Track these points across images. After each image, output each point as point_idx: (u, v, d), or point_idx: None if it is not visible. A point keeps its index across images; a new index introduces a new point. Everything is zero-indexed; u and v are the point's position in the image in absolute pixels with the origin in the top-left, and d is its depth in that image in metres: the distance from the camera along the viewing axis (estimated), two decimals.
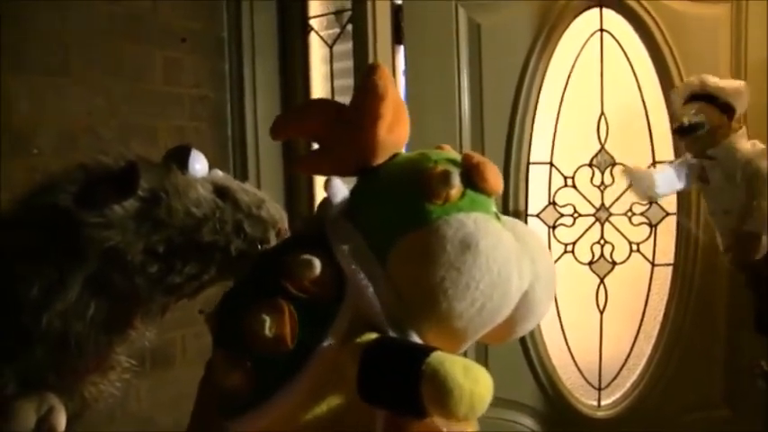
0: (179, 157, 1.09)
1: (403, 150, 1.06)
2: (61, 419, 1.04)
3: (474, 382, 0.82)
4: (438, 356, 0.84)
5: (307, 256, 0.93)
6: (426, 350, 0.86)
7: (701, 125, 2.07)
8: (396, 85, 1.00)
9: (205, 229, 1.05)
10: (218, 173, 1.15)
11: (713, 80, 2.12)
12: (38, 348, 1.01)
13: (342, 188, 1.03)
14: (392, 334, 0.92)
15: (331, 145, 1.02)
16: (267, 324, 0.91)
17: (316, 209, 1.06)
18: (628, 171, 2.31)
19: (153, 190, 1.03)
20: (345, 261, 0.94)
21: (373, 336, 0.91)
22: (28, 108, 2.09)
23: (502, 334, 1.02)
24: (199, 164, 1.10)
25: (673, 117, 2.19)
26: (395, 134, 1.00)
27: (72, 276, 0.99)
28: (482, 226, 0.93)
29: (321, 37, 2.82)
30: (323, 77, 2.84)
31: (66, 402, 1.05)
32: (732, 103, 2.09)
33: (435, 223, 0.93)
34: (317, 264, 0.92)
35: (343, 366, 0.90)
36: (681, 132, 2.13)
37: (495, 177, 0.99)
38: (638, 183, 2.26)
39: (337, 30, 2.79)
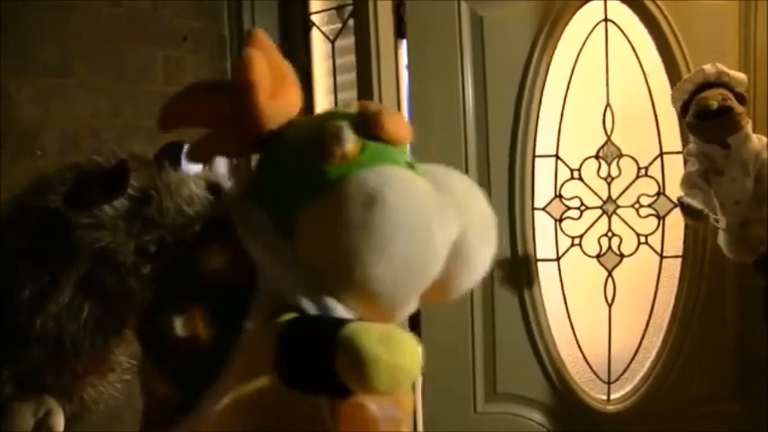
0: (171, 154, 1.07)
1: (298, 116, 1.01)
2: (59, 422, 1.03)
3: (392, 352, 0.75)
4: (351, 327, 0.78)
5: (209, 246, 0.90)
6: (341, 323, 0.80)
7: (727, 109, 2.02)
8: (275, 51, 0.95)
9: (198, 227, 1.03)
10: (220, 165, 1.13)
11: (729, 70, 2.09)
12: (33, 350, 1.00)
13: (222, 161, 1.01)
14: (313, 311, 0.86)
15: (218, 124, 0.97)
16: (178, 324, 0.88)
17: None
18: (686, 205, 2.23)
19: (143, 189, 1.01)
20: (249, 242, 0.89)
21: (291, 316, 0.85)
22: (31, 110, 2.09)
23: (441, 292, 0.95)
24: None
25: (685, 105, 2.12)
26: (279, 98, 0.94)
27: (64, 278, 0.98)
28: (388, 178, 0.86)
29: (323, 32, 2.80)
30: (325, 73, 2.82)
31: (64, 405, 1.04)
32: (745, 94, 2.07)
33: (335, 185, 0.86)
34: (219, 252, 0.89)
35: (268, 352, 0.84)
36: (708, 117, 2.04)
37: (395, 124, 0.92)
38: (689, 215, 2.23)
39: (339, 25, 2.77)
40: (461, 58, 2.57)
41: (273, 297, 0.87)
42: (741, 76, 2.09)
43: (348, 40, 2.72)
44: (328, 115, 0.97)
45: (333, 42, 2.79)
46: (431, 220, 0.87)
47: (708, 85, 2.07)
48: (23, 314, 0.97)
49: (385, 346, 0.75)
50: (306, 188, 0.88)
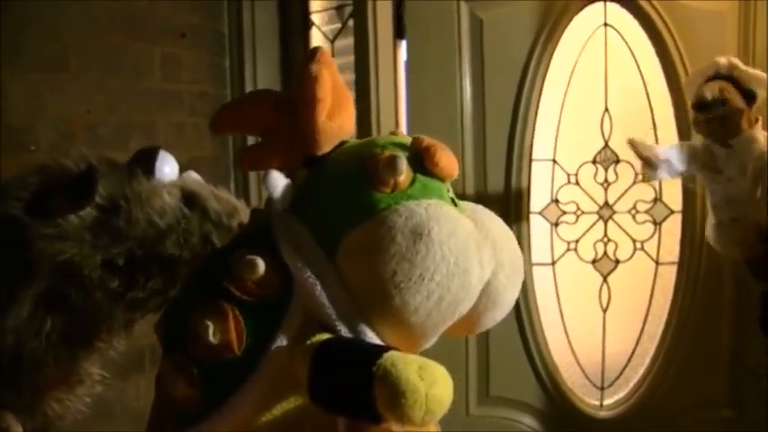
0: (145, 160, 1.02)
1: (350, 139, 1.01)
2: None
3: (430, 384, 0.76)
4: (390, 357, 0.78)
5: (250, 257, 0.87)
6: (378, 350, 0.81)
7: (722, 101, 2.00)
8: (336, 70, 0.94)
9: (168, 241, 0.99)
10: (192, 176, 1.08)
11: (742, 64, 2.06)
12: None
13: (281, 180, 0.97)
14: (345, 333, 0.87)
15: (272, 137, 0.95)
16: (211, 330, 0.86)
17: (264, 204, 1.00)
18: (634, 144, 2.22)
19: (112, 197, 0.96)
20: (291, 258, 0.89)
21: (325, 336, 0.86)
22: (25, 104, 2.08)
23: (466, 327, 0.98)
24: (168, 167, 1.03)
25: (696, 95, 2.08)
26: (337, 121, 0.94)
27: (23, 292, 0.93)
28: (435, 213, 0.88)
29: (322, 32, 2.79)
30: None
31: (25, 421, 0.99)
32: (755, 90, 2.04)
33: (383, 213, 0.88)
34: (261, 264, 0.87)
35: (297, 370, 0.86)
36: (701, 108, 2.03)
37: (447, 160, 0.93)
38: (643, 151, 2.20)
39: (339, 25, 2.76)
40: (460, 59, 2.55)
41: (306, 314, 0.89)
42: (757, 73, 2.05)
43: (348, 41, 2.70)
44: (377, 141, 0.97)
45: (332, 42, 2.78)
46: (471, 257, 0.89)
47: (718, 77, 2.05)
48: None
49: (423, 378, 0.76)
50: (353, 211, 0.90)
